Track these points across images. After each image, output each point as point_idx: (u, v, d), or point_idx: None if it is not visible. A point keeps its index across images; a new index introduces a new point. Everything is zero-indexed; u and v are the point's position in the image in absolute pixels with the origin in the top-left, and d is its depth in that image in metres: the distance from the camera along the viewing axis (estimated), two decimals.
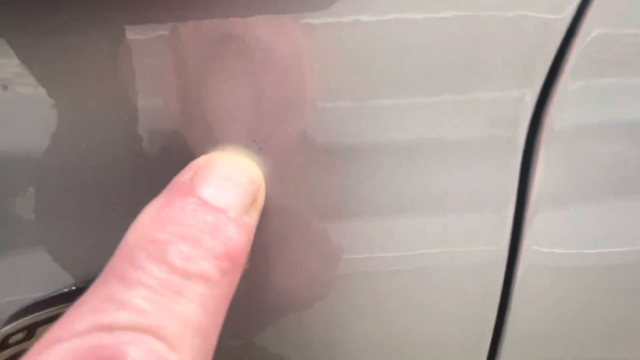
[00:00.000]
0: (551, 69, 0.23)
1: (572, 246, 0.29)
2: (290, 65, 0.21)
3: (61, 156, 0.21)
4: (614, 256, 0.29)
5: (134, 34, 0.19)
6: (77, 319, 0.15)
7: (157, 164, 0.22)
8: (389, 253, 0.26)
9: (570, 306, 0.31)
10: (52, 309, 0.21)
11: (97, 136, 0.21)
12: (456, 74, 0.22)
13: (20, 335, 0.21)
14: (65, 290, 0.22)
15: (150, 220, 0.17)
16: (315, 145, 0.22)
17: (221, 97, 0.21)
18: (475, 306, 0.29)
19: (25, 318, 0.21)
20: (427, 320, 0.29)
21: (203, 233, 0.17)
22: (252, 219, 0.19)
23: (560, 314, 0.31)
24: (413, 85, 0.22)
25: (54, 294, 0.22)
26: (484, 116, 0.23)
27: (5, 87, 0.19)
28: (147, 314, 0.15)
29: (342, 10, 0.20)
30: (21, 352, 0.21)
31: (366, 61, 0.21)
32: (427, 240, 0.26)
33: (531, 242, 0.28)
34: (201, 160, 0.20)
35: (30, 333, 0.21)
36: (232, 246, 0.17)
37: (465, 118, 0.23)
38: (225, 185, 0.19)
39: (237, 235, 0.18)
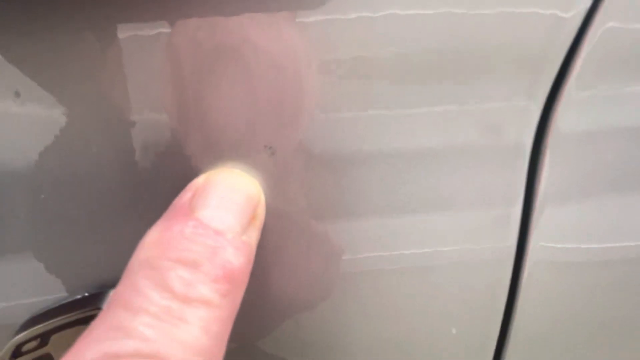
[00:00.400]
0: (559, 72, 0.23)
1: (579, 241, 0.29)
2: (299, 68, 0.21)
3: (66, 162, 0.21)
4: (620, 250, 0.29)
5: (138, 32, 0.19)
6: (87, 348, 0.15)
7: (165, 172, 0.22)
8: (400, 251, 0.26)
9: (578, 301, 0.31)
10: (65, 316, 0.21)
11: (106, 142, 0.21)
12: (464, 80, 0.22)
13: (33, 344, 0.21)
14: (78, 297, 0.22)
15: (152, 245, 0.17)
16: (327, 150, 0.22)
17: (232, 102, 0.21)
18: (483, 302, 0.30)
19: (38, 326, 0.21)
20: (436, 317, 0.30)
21: (202, 257, 0.17)
22: (252, 238, 0.20)
23: (567, 309, 0.31)
24: (424, 94, 0.22)
25: (66, 302, 0.22)
26: (492, 120, 0.23)
27: (17, 94, 0.18)
28: (152, 341, 0.15)
29: (343, 8, 0.20)
30: None
31: (375, 70, 0.21)
32: (438, 238, 0.26)
33: (538, 239, 0.28)
34: (199, 180, 0.20)
35: (44, 341, 0.21)
36: (230, 269, 0.18)
37: (473, 123, 0.23)
38: (224, 205, 0.19)
39: (236, 257, 0.18)
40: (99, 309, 0.21)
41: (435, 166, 0.24)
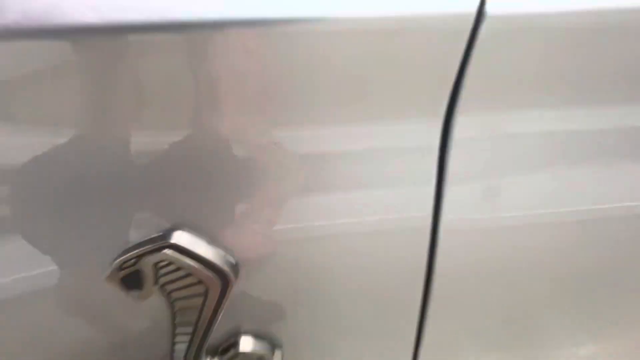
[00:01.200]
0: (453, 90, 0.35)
1: (482, 212, 0.40)
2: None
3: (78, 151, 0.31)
4: (517, 219, 0.40)
5: (144, 35, 0.28)
6: None
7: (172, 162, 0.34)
8: (342, 220, 0.38)
9: (487, 261, 0.41)
10: (147, 247, 0.34)
11: (114, 135, 0.32)
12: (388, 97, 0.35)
13: (130, 262, 0.34)
14: (155, 235, 0.35)
15: None
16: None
17: (247, 102, 0.33)
18: (407, 266, 0.40)
19: (135, 251, 0.34)
20: (368, 279, 0.40)
21: None
22: None
23: (477, 271, 0.42)
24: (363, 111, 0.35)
25: (148, 238, 0.35)
26: (410, 128, 0.36)
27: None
28: None
29: None
30: (131, 274, 0.35)
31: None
32: (370, 209, 0.38)
33: (448, 211, 0.39)
34: None
35: (136, 262, 0.34)
36: None
37: (399, 131, 0.36)
38: None
39: None
40: (167, 242, 0.35)
41: (374, 160, 0.37)
